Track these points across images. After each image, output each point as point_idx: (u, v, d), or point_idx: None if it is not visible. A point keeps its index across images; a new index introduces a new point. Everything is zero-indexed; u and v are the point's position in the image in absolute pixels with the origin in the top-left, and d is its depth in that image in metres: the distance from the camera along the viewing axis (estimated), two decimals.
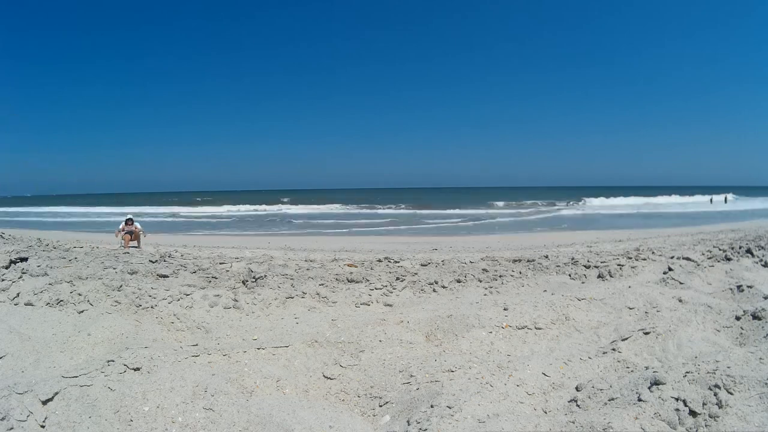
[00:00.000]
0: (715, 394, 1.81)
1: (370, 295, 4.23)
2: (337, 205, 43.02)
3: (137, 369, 2.40)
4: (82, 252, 7.73)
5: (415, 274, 5.21)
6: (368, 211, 36.37)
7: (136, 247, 10.91)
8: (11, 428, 1.88)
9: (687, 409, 1.80)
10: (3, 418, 1.89)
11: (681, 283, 4.12)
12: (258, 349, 2.84)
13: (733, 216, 23.14)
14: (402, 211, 36.13)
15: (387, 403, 2.30)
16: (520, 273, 5.19)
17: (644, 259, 5.60)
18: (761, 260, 4.93)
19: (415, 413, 2.07)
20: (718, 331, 2.93)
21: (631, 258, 5.79)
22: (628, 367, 2.45)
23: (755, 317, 2.85)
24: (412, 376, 2.47)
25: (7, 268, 4.57)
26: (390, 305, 4.07)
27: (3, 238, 8.90)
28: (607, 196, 44.63)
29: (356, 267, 6.07)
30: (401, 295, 4.34)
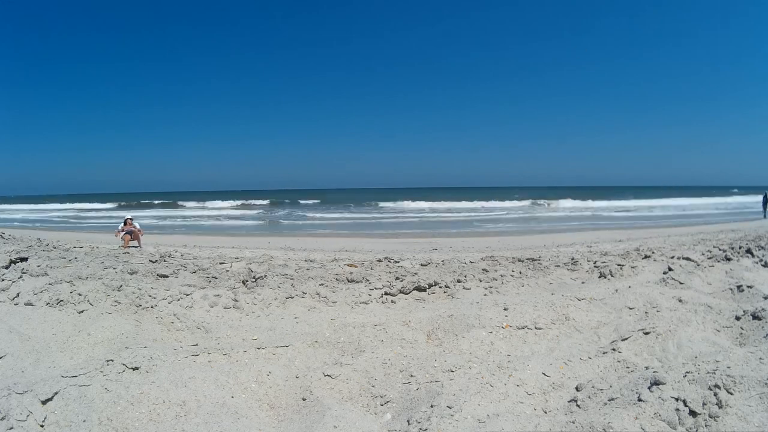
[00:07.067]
0: (715, 394, 1.81)
1: (370, 294, 4.23)
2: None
3: (136, 369, 2.40)
4: (82, 252, 7.73)
5: (415, 274, 5.21)
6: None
7: (136, 246, 10.91)
8: (11, 428, 1.88)
9: (687, 409, 1.80)
10: (3, 418, 1.89)
11: (681, 283, 4.12)
12: (258, 348, 2.84)
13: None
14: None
15: (388, 402, 2.30)
16: (520, 273, 5.19)
17: (644, 259, 5.60)
18: (761, 260, 4.93)
19: (415, 413, 2.07)
20: (718, 331, 2.93)
21: (631, 258, 5.79)
22: (628, 367, 2.45)
23: (755, 317, 2.85)
24: (412, 375, 2.47)
25: (7, 268, 4.57)
26: (390, 305, 4.07)
27: (3, 238, 8.90)
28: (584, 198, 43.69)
29: (356, 267, 6.08)
30: (401, 294, 4.33)
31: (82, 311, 3.40)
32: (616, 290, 3.90)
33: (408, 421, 2.02)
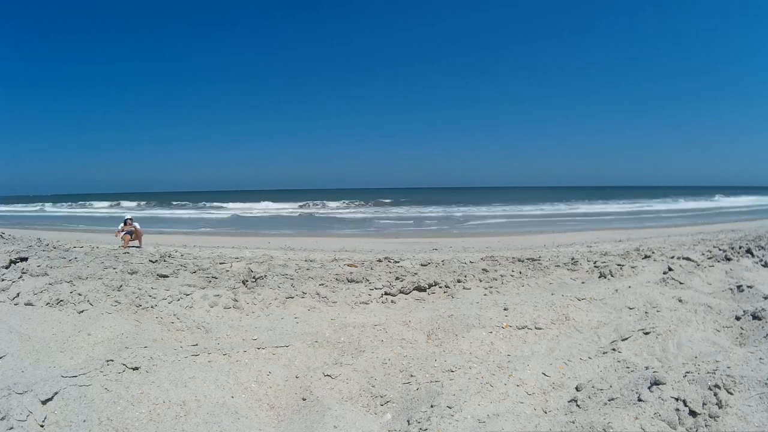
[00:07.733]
0: (715, 394, 1.81)
1: (370, 294, 4.23)
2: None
3: (136, 369, 2.40)
4: (82, 252, 7.73)
5: (415, 274, 5.21)
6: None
7: (136, 246, 10.91)
8: (11, 428, 1.88)
9: (687, 409, 1.80)
10: (3, 418, 1.89)
11: (681, 283, 4.12)
12: (258, 348, 2.84)
13: None
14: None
15: (388, 402, 2.30)
16: (520, 273, 5.19)
17: (644, 259, 5.60)
18: (761, 260, 4.93)
19: (415, 413, 2.07)
20: (718, 331, 2.93)
21: (631, 258, 5.79)
22: (628, 367, 2.45)
23: (755, 317, 2.85)
24: (412, 375, 2.47)
25: (7, 268, 4.57)
26: (390, 305, 4.07)
27: (3, 238, 8.90)
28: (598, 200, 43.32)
29: (356, 267, 6.08)
30: (401, 294, 4.33)
31: (82, 311, 3.40)
32: (616, 290, 3.90)
33: (408, 421, 2.02)
